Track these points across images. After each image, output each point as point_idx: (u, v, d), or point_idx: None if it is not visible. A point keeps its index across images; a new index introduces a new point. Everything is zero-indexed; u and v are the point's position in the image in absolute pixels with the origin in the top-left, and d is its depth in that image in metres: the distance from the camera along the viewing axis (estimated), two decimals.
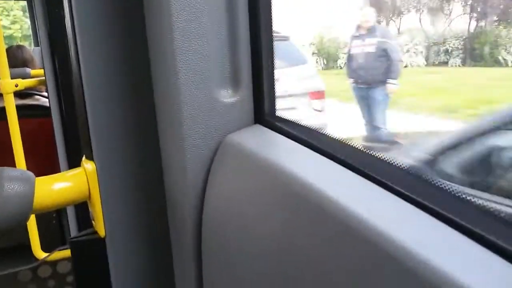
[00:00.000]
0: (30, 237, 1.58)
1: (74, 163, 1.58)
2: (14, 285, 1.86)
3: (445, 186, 0.38)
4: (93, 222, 0.70)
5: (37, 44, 3.72)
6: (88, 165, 0.66)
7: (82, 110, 0.64)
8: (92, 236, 0.69)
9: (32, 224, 1.50)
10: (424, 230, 0.35)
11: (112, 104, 0.63)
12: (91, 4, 0.60)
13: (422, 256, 0.30)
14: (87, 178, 0.66)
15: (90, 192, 0.66)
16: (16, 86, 1.59)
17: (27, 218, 0.60)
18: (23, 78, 1.72)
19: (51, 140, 1.69)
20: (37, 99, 2.08)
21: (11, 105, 1.57)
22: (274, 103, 0.61)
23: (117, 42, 0.62)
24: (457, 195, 0.37)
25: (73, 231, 1.58)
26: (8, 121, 1.57)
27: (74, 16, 0.60)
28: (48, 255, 1.56)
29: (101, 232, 0.67)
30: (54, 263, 1.85)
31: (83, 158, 0.69)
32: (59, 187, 0.65)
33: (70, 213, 1.53)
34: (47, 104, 2.04)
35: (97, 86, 0.62)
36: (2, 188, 0.57)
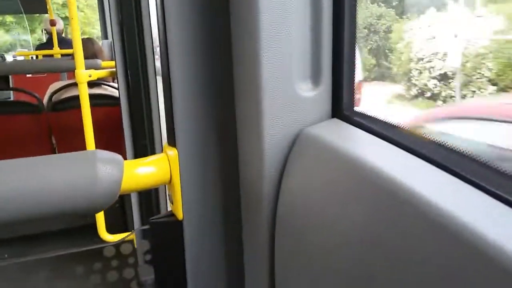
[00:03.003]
0: (96, 219, 1.68)
1: (139, 148, 1.66)
2: (81, 262, 2.01)
3: None
4: (171, 205, 0.74)
5: (105, 37, 3.93)
6: (170, 152, 0.70)
7: (168, 100, 0.68)
8: (170, 218, 0.73)
9: None
10: None
11: (195, 95, 0.67)
12: (180, 2, 0.63)
13: None
14: (169, 163, 0.70)
15: (171, 176, 0.70)
16: (90, 76, 1.70)
17: (115, 199, 0.65)
18: (94, 69, 1.83)
19: (117, 127, 1.78)
20: (105, 89, 2.19)
21: (84, 93, 1.68)
22: (353, 97, 0.61)
23: (203, 38, 0.65)
24: None
25: (136, 217, 1.66)
26: (82, 109, 1.68)
27: (165, 14, 0.64)
28: (117, 241, 1.67)
29: (179, 215, 0.71)
30: (117, 245, 1.97)
31: (165, 144, 0.73)
32: (143, 170, 0.69)
33: (134, 200, 1.62)
34: (114, 94, 2.15)
35: (182, 78, 0.66)
36: (95, 168, 0.62)
